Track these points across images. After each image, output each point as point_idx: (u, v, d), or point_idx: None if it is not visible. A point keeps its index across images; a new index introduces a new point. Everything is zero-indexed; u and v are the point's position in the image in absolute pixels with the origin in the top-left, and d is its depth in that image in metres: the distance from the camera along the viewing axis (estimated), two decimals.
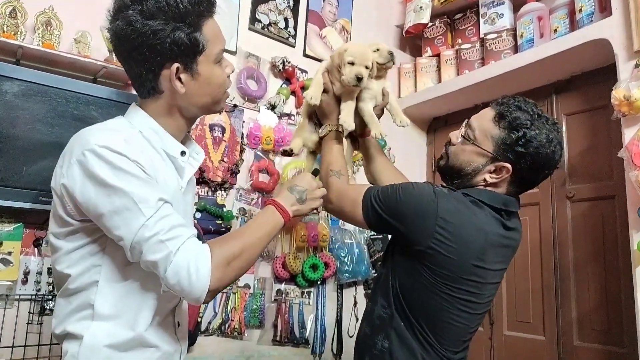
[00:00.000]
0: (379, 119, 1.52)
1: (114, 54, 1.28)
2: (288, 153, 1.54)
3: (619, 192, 2.15)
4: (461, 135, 1.30)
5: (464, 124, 1.32)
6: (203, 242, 0.96)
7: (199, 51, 1.02)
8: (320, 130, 1.50)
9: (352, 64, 1.37)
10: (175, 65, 1.01)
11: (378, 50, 1.45)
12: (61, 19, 1.90)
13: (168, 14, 0.97)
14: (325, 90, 1.45)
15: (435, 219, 1.15)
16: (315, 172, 1.33)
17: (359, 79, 1.35)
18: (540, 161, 1.20)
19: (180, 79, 1.03)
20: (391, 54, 1.45)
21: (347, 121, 1.40)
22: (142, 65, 1.01)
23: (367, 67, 1.38)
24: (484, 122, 1.26)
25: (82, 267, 1.00)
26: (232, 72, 1.14)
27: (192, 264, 0.90)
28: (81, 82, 1.82)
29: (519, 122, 1.19)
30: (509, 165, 1.21)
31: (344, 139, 1.51)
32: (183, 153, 1.11)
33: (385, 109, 1.57)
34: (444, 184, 1.33)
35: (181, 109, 1.09)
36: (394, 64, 1.49)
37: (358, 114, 1.48)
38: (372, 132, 1.45)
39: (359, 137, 1.60)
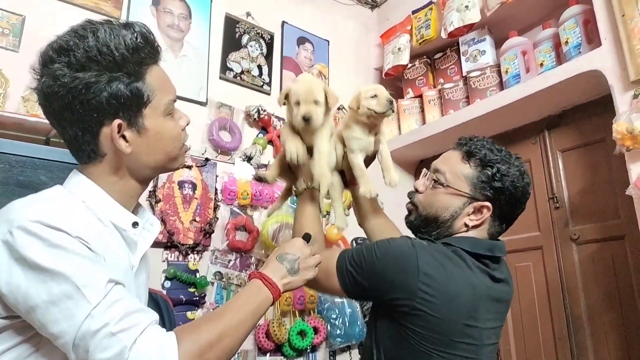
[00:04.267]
0: (368, 165, 1.39)
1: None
2: (261, 179, 1.39)
3: (628, 231, 1.99)
4: (433, 180, 1.22)
5: (424, 172, 1.27)
6: (172, 316, 0.74)
7: (144, 103, 0.90)
8: (297, 185, 1.37)
9: (299, 103, 1.26)
10: (117, 122, 0.88)
11: (375, 96, 1.30)
12: (7, 77, 1.74)
13: (102, 63, 0.85)
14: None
15: (417, 275, 1.05)
16: (307, 237, 1.15)
17: (306, 120, 1.24)
18: (518, 195, 1.16)
19: (124, 137, 0.89)
20: (391, 101, 1.30)
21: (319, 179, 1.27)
22: (76, 126, 0.88)
23: (316, 102, 1.26)
24: (452, 164, 1.20)
25: None
26: (188, 124, 1.01)
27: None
28: (26, 144, 1.63)
29: (490, 158, 1.15)
30: (488, 204, 1.15)
31: (334, 174, 1.42)
32: (135, 224, 0.94)
33: (377, 160, 1.42)
34: (422, 236, 1.22)
35: (131, 171, 0.94)
36: (393, 112, 1.35)
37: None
38: (361, 189, 1.33)
39: (350, 184, 1.47)
